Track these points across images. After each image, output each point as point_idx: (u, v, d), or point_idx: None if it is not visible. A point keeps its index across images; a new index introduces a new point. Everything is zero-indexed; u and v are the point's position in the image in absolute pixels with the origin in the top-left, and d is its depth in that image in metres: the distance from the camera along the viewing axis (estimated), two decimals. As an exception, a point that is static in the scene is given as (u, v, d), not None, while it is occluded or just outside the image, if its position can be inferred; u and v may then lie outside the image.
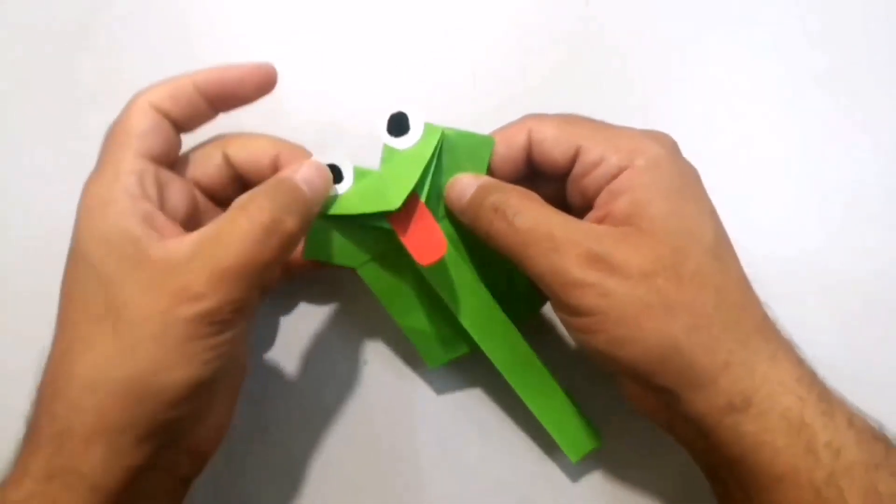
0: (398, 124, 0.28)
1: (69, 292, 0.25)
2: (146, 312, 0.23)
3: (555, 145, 0.27)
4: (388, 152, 0.28)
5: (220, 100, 0.27)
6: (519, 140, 0.28)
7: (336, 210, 0.28)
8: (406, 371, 0.33)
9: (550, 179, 0.29)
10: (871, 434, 0.24)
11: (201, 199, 0.29)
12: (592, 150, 0.26)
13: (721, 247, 0.25)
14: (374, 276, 0.29)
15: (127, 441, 0.23)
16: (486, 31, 0.37)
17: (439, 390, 0.33)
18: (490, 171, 0.29)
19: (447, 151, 0.28)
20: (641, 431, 0.32)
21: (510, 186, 0.27)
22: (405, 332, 0.31)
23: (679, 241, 0.24)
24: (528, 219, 0.25)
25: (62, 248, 0.34)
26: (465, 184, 0.28)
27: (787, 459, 0.23)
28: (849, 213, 0.35)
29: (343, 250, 0.29)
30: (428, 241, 0.27)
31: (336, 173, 0.28)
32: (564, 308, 0.25)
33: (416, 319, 0.30)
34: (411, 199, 0.27)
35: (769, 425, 0.23)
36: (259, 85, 0.28)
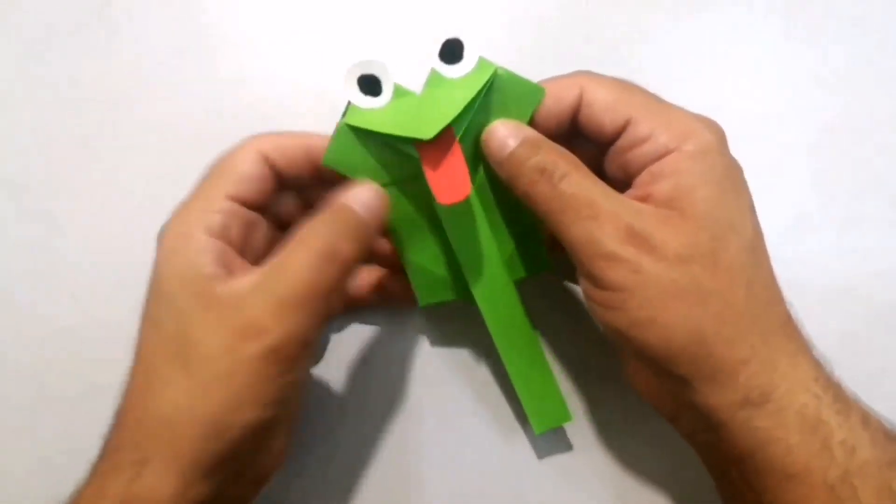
0: (452, 51, 0.26)
1: (147, 325, 0.25)
2: (215, 351, 0.23)
3: (605, 111, 0.26)
4: (435, 78, 0.27)
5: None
6: (569, 96, 0.27)
7: (367, 124, 0.26)
8: (407, 371, 0.33)
9: (591, 142, 0.28)
10: (885, 434, 0.24)
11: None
12: (642, 125, 0.25)
13: (757, 242, 0.25)
14: (390, 200, 0.28)
15: (196, 475, 0.23)
16: (483, 29, 0.36)
17: (440, 389, 0.33)
18: (532, 122, 0.27)
19: (495, 91, 0.27)
20: (645, 419, 0.32)
21: (555, 147, 0.26)
22: (404, 265, 0.30)
23: (719, 231, 0.24)
24: (572, 183, 0.25)
25: (60, 248, 0.34)
26: (504, 134, 0.26)
27: (800, 457, 0.23)
28: (849, 213, 0.35)
29: (364, 166, 0.27)
30: (452, 181, 0.25)
31: (374, 85, 0.26)
32: (592, 279, 0.25)
33: (419, 254, 0.29)
34: (446, 133, 0.26)
35: (784, 421, 0.23)
36: None
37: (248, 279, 0.24)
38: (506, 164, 0.26)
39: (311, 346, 0.25)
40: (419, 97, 0.27)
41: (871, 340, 0.34)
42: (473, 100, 0.26)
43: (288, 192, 0.29)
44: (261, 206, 0.28)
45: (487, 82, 0.26)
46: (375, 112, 0.26)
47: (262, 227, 0.28)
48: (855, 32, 0.36)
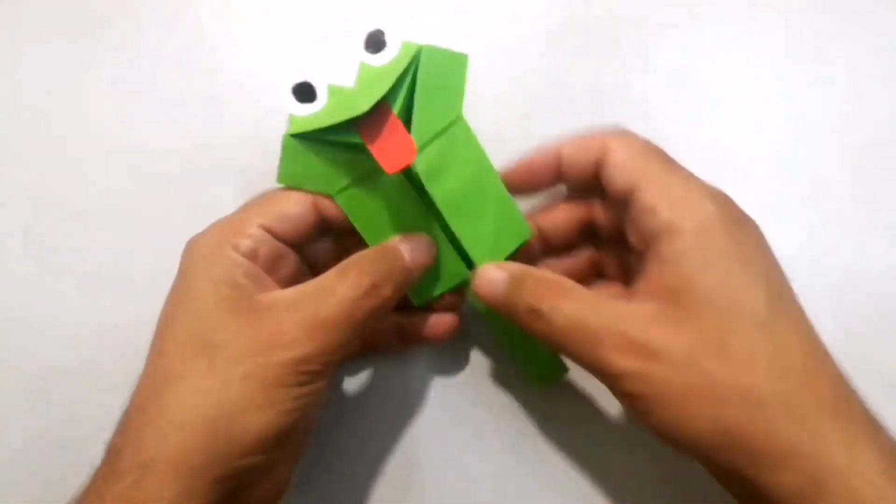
0: (375, 41, 0.27)
1: (168, 323, 0.26)
2: (241, 353, 0.24)
3: (618, 175, 0.26)
4: (364, 70, 0.27)
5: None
6: (593, 152, 0.27)
7: (306, 127, 0.27)
8: (407, 373, 0.34)
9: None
10: None
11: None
12: (646, 194, 0.26)
13: (776, 317, 0.24)
14: (351, 203, 0.28)
15: (200, 484, 0.23)
16: (485, 30, 0.36)
17: (442, 391, 0.33)
18: (561, 172, 0.28)
19: (424, 67, 0.27)
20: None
21: (540, 277, 0.26)
22: None
23: (723, 318, 0.23)
24: (562, 316, 0.25)
25: (62, 246, 0.34)
26: (493, 277, 0.27)
27: None
28: (850, 211, 0.35)
29: (319, 176, 0.28)
30: (397, 150, 0.26)
31: (309, 92, 0.27)
32: (617, 396, 0.25)
33: None
34: (382, 109, 0.26)
35: None
36: None
37: (286, 294, 0.26)
38: (502, 308, 0.27)
39: (331, 369, 0.25)
40: (352, 90, 0.27)
41: (871, 341, 0.33)
42: (403, 74, 0.27)
43: (326, 237, 0.30)
44: (295, 243, 0.28)
45: (414, 58, 0.27)
46: (313, 115, 0.27)
47: (291, 260, 0.28)
48: (848, 33, 0.36)
